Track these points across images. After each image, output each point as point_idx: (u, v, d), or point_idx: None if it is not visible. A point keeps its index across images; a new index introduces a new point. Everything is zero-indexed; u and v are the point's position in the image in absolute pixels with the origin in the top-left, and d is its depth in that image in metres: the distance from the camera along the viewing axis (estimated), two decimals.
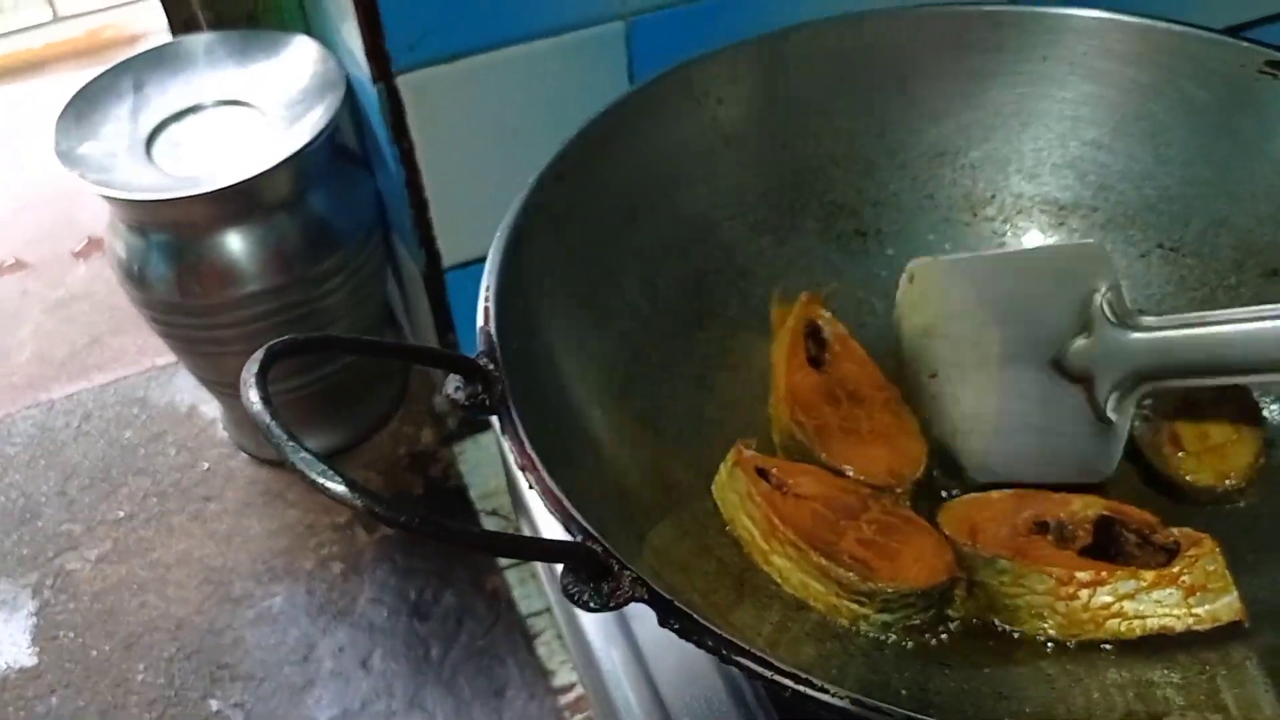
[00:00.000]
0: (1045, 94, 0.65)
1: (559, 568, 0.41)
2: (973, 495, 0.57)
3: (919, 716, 0.37)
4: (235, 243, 0.84)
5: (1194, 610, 0.50)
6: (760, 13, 0.79)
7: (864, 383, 0.62)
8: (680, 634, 0.40)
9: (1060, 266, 0.58)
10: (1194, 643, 0.50)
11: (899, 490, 0.57)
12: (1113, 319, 0.55)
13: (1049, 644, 0.52)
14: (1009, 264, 0.62)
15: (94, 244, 1.31)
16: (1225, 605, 0.50)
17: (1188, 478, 0.57)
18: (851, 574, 0.50)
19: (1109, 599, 0.51)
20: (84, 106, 0.87)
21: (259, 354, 0.40)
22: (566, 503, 0.43)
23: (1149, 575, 0.50)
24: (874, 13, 0.66)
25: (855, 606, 0.51)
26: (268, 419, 0.38)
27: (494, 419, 0.47)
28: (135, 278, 0.86)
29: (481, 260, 0.53)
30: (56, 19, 1.69)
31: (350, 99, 0.85)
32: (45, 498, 1.04)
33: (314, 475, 0.37)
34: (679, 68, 0.64)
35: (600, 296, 0.61)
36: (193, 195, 0.79)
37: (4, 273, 1.30)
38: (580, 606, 0.41)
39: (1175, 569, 0.51)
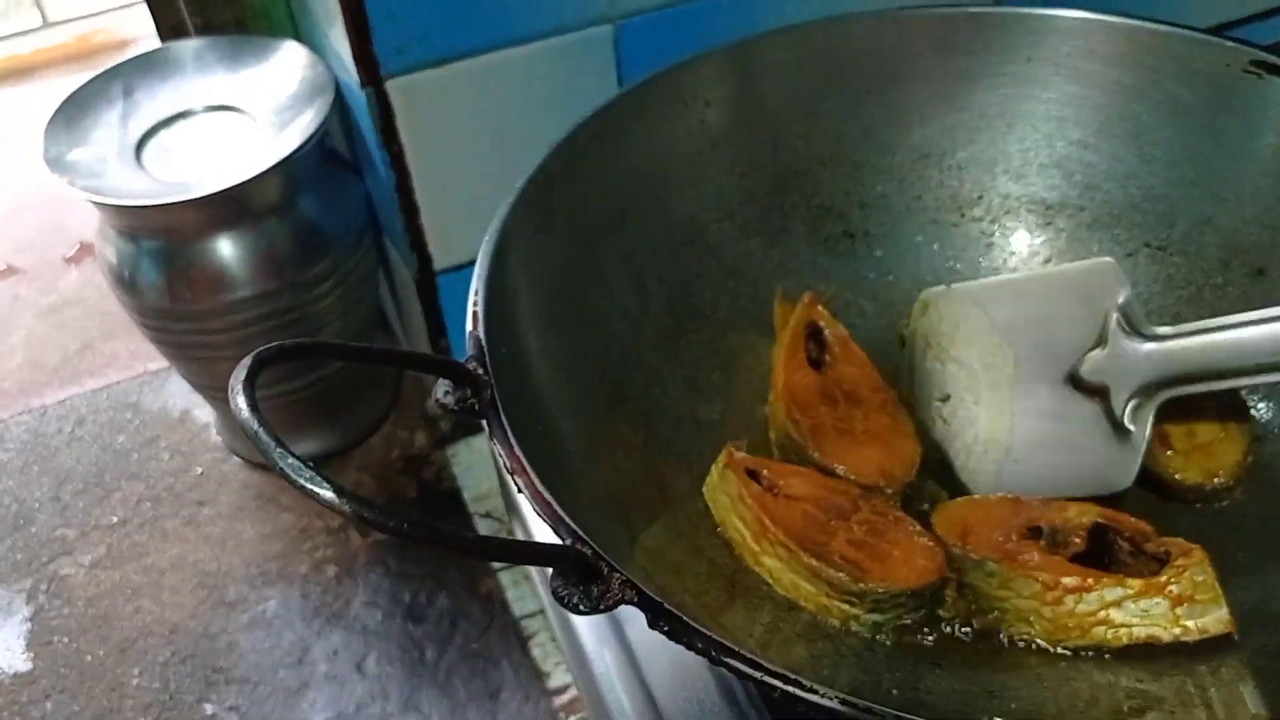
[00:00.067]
0: (1030, 95, 0.66)
1: (550, 570, 0.41)
2: (969, 497, 0.58)
3: (909, 716, 0.37)
4: (226, 248, 0.83)
5: (1182, 621, 0.50)
6: (747, 16, 0.80)
7: (862, 384, 0.63)
8: (670, 636, 0.40)
9: (1073, 284, 0.58)
10: (1182, 650, 0.50)
11: (889, 491, 0.57)
12: (1127, 331, 0.55)
13: (1038, 645, 0.52)
14: (1021, 287, 0.62)
15: (85, 249, 1.31)
16: (1214, 619, 0.49)
17: (1176, 476, 0.57)
18: (842, 575, 0.50)
19: (1094, 606, 0.51)
20: (73, 112, 0.86)
21: (247, 361, 0.40)
22: (555, 506, 0.43)
23: (1136, 584, 0.50)
24: (860, 15, 0.66)
25: (846, 607, 0.51)
26: (256, 425, 0.38)
27: (484, 422, 0.47)
28: (126, 283, 0.86)
29: (473, 263, 0.53)
30: (46, 25, 1.69)
31: (339, 103, 0.85)
32: (39, 503, 1.04)
33: (302, 481, 0.37)
34: (667, 71, 0.64)
35: (589, 299, 0.61)
36: (183, 201, 0.79)
37: None
38: (570, 609, 0.41)
39: (1162, 579, 0.50)
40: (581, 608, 0.40)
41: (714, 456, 0.57)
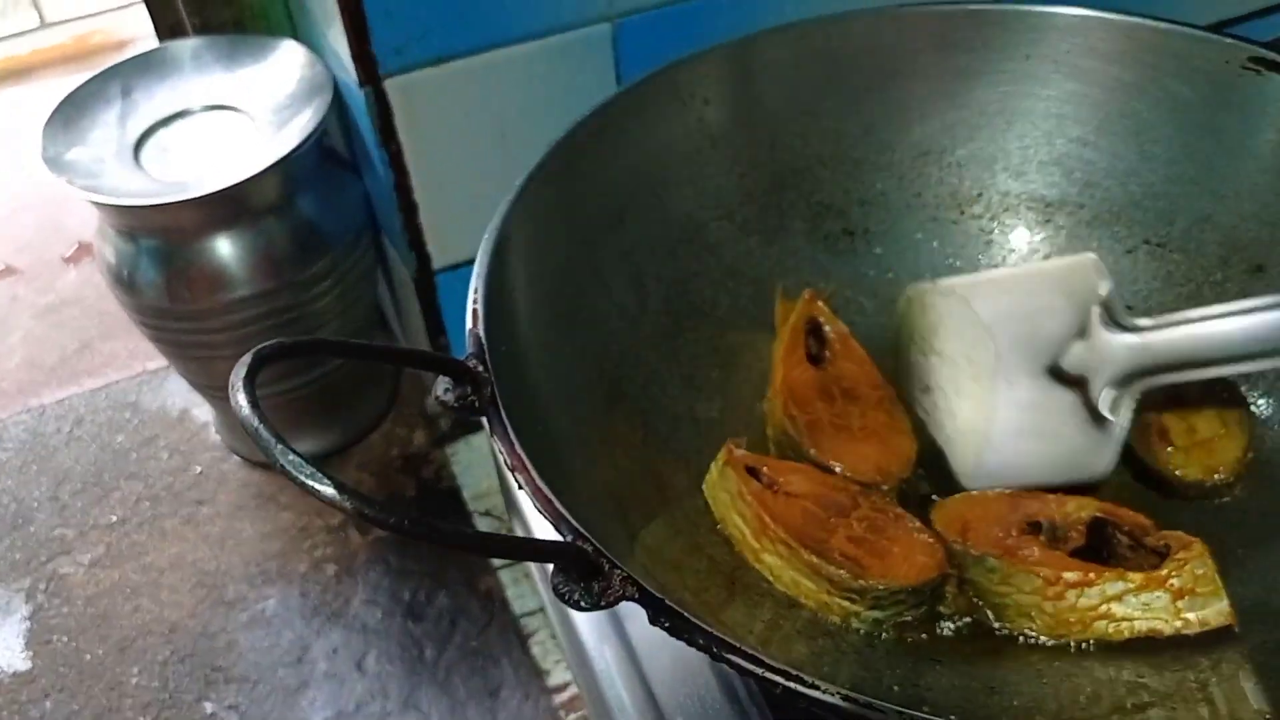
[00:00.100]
0: (1030, 92, 0.66)
1: (551, 568, 0.42)
2: (968, 493, 0.58)
3: (910, 711, 0.37)
4: (224, 247, 0.83)
5: (1183, 614, 0.50)
6: (746, 14, 0.79)
7: (861, 381, 0.63)
8: (671, 632, 0.40)
9: (1056, 279, 0.59)
10: (1183, 642, 0.50)
11: (885, 488, 0.57)
12: (1107, 323, 0.56)
13: (1039, 640, 0.52)
14: (1005, 281, 0.62)
15: (84, 249, 1.31)
16: (1215, 611, 0.50)
17: (1176, 472, 0.57)
18: (842, 571, 0.50)
19: (1096, 600, 0.51)
20: (71, 112, 0.86)
21: (247, 358, 0.40)
22: (556, 503, 0.43)
23: (1137, 578, 0.51)
24: (859, 12, 0.66)
25: (846, 604, 0.51)
26: (256, 423, 0.38)
27: (484, 420, 0.47)
28: (125, 283, 0.86)
29: (472, 262, 0.53)
30: (44, 25, 1.69)
31: (338, 103, 0.85)
32: (37, 503, 1.03)
33: (303, 478, 0.37)
34: (665, 69, 0.64)
35: (588, 297, 0.61)
36: (181, 200, 0.79)
37: None
38: (571, 606, 0.41)
39: (1163, 572, 0.51)
40: (583, 604, 0.41)
41: (713, 454, 0.57)
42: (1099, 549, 0.53)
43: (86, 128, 0.85)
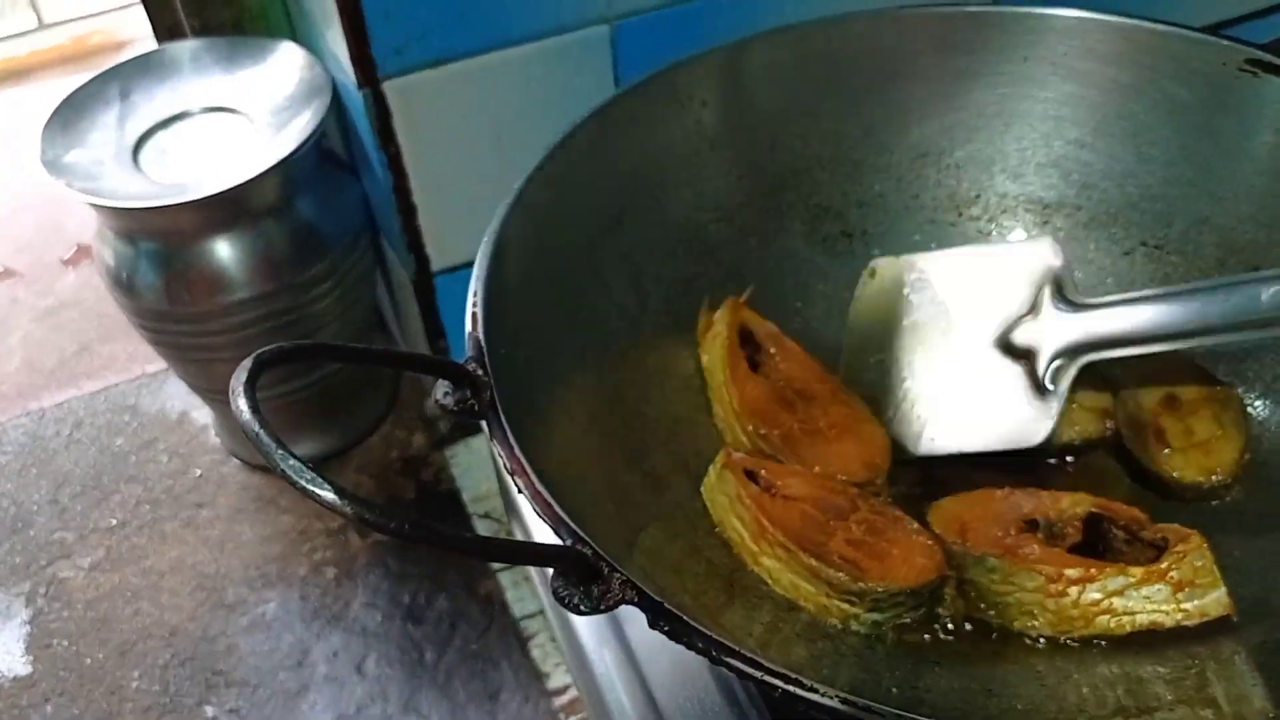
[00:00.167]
0: (1028, 94, 0.66)
1: (551, 571, 0.42)
2: (963, 494, 0.58)
3: (908, 715, 0.37)
4: (224, 250, 0.84)
5: (1183, 605, 0.51)
6: (744, 15, 0.80)
7: (808, 379, 0.63)
8: (670, 636, 0.40)
9: (1013, 259, 0.61)
10: (1183, 638, 0.51)
11: (878, 481, 0.58)
12: (1056, 299, 0.59)
13: (1039, 641, 0.52)
14: (965, 259, 0.63)
15: (83, 251, 1.31)
16: (1214, 600, 0.51)
17: (1174, 474, 0.58)
18: (841, 574, 0.50)
19: (1098, 595, 0.51)
20: (70, 114, 0.86)
21: (247, 363, 0.40)
22: (556, 506, 0.43)
23: (1138, 572, 0.51)
24: (857, 14, 0.66)
25: (846, 606, 0.51)
26: (257, 427, 0.38)
27: (484, 423, 0.48)
28: (124, 286, 0.86)
29: (471, 264, 0.53)
30: (42, 26, 1.69)
31: (336, 105, 0.85)
32: (37, 506, 1.04)
33: (303, 483, 0.37)
34: (664, 71, 0.64)
35: (588, 300, 0.61)
36: (181, 203, 0.79)
37: None
38: (571, 610, 0.41)
39: (1164, 565, 0.51)
40: (582, 608, 0.41)
41: (712, 457, 0.57)
42: (1095, 544, 0.54)
43: (85, 130, 0.86)
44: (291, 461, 0.37)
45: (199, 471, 1.05)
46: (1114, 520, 0.54)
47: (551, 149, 0.59)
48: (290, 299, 0.87)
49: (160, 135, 0.86)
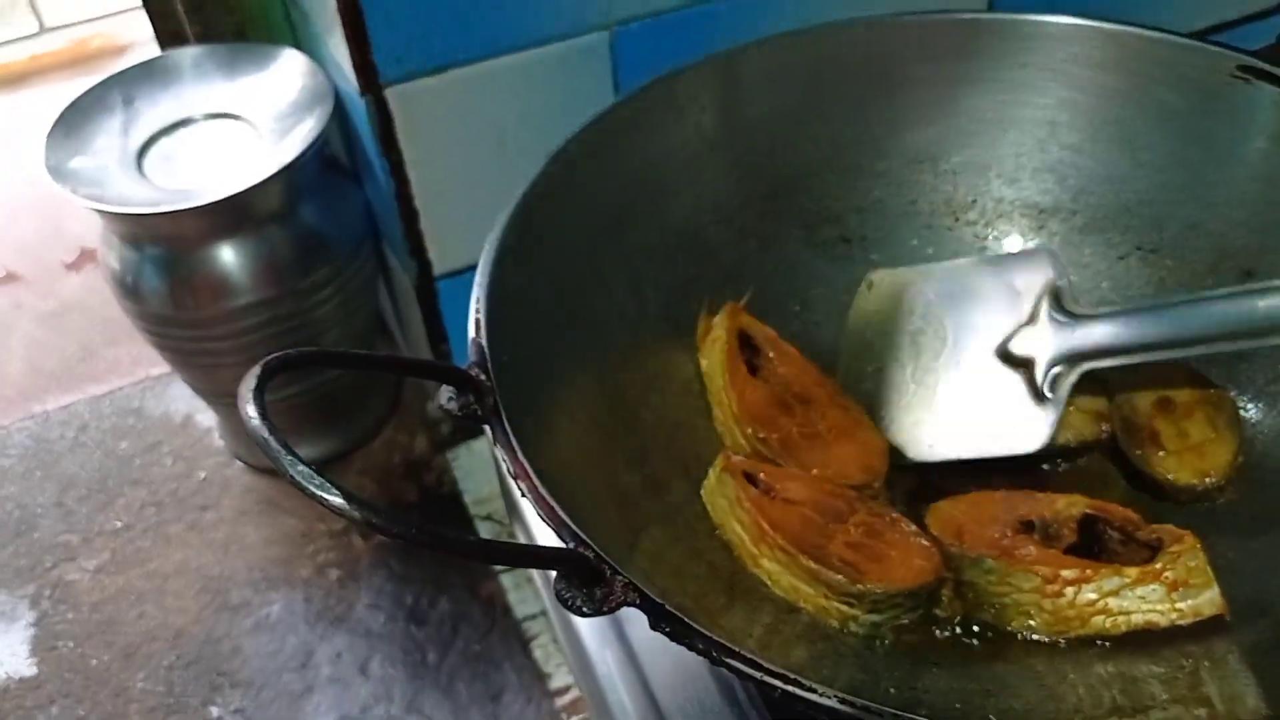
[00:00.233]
0: (1023, 100, 0.66)
1: (554, 574, 0.42)
2: (960, 496, 0.58)
3: (907, 715, 0.38)
4: (227, 255, 0.84)
5: (1177, 606, 0.51)
6: (743, 22, 0.80)
7: (806, 382, 0.63)
8: (671, 637, 0.40)
9: (1011, 270, 0.62)
10: (1178, 637, 0.51)
11: (876, 485, 0.58)
12: (1055, 310, 0.59)
13: (1036, 641, 0.53)
14: (963, 270, 0.64)
15: (86, 255, 1.32)
16: (1207, 600, 0.51)
17: (1169, 476, 0.58)
18: (840, 576, 0.51)
19: (1094, 596, 0.52)
20: (74, 120, 0.87)
21: (255, 370, 0.41)
22: (559, 510, 0.43)
23: (1133, 572, 0.52)
24: (855, 21, 0.67)
25: (845, 608, 0.51)
26: (266, 433, 0.39)
27: (486, 427, 0.48)
28: (129, 290, 0.86)
29: (472, 268, 0.54)
30: (43, 30, 1.69)
31: (339, 111, 0.86)
32: (42, 509, 1.04)
33: (312, 488, 0.37)
34: (663, 78, 0.65)
35: (588, 304, 0.61)
36: (185, 209, 0.79)
37: None
38: (574, 611, 0.41)
39: (1158, 565, 0.52)
40: (585, 610, 0.41)
41: (712, 460, 0.58)
42: (1091, 546, 0.54)
43: (89, 136, 0.86)
44: (300, 467, 0.37)
45: (203, 474, 1.05)
46: (1109, 522, 0.55)
47: (552, 156, 0.59)
48: (294, 304, 0.87)
49: (164, 141, 0.86)
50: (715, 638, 0.40)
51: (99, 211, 0.81)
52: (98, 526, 1.02)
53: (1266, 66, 0.59)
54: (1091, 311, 0.59)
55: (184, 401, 1.11)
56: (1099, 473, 0.61)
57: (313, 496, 0.37)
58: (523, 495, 0.45)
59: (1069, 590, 0.52)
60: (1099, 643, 0.52)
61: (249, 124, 0.87)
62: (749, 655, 0.39)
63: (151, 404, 1.12)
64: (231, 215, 0.82)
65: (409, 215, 0.83)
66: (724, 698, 0.58)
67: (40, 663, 0.92)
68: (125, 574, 0.98)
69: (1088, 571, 0.52)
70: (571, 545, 0.42)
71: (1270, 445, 0.60)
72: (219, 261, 0.84)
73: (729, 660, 0.39)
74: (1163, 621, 0.51)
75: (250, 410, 0.39)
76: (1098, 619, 0.52)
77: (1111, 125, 0.65)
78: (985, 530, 0.55)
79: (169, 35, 1.00)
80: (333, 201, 0.89)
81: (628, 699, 0.64)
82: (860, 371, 0.65)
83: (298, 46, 0.94)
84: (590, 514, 0.46)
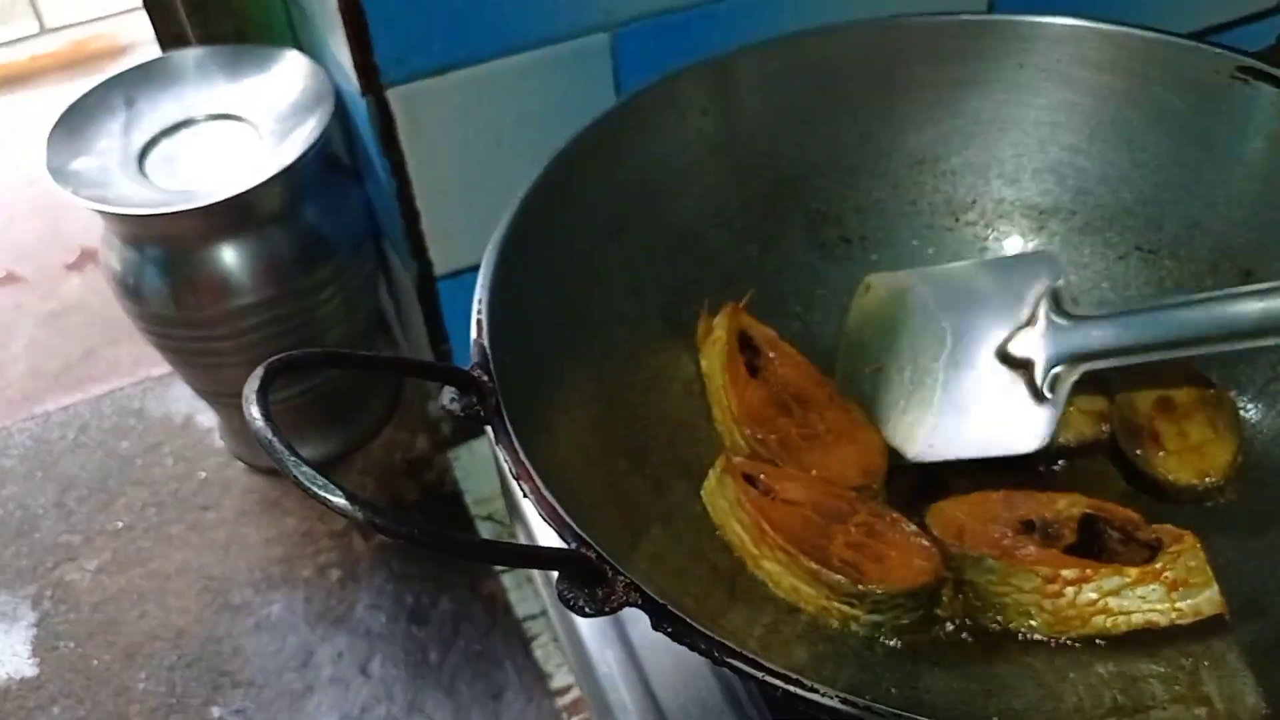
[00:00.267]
0: (1023, 101, 0.66)
1: (555, 574, 0.42)
2: (960, 496, 0.59)
3: (907, 715, 0.38)
4: (229, 255, 0.84)
5: (1177, 605, 0.52)
6: (743, 24, 0.80)
7: (806, 384, 0.63)
8: (673, 637, 0.41)
9: (1010, 272, 0.62)
10: (1177, 637, 0.51)
11: (875, 486, 0.58)
12: (1055, 312, 0.60)
13: (1036, 641, 0.53)
14: (963, 272, 0.65)
15: (87, 256, 1.32)
16: (1207, 599, 0.51)
17: (1169, 476, 0.58)
18: (841, 577, 0.51)
19: (1094, 596, 0.52)
20: (75, 122, 0.87)
21: (259, 371, 0.41)
22: (561, 511, 0.44)
23: (1133, 572, 0.52)
24: (855, 23, 0.67)
25: (845, 608, 0.52)
26: (270, 435, 0.39)
27: (488, 428, 0.48)
28: (131, 291, 0.87)
29: (473, 269, 0.54)
30: (43, 31, 1.69)
31: (340, 112, 0.86)
32: (43, 509, 1.04)
33: (316, 489, 0.38)
34: (664, 80, 0.65)
35: (589, 306, 0.62)
36: (187, 210, 0.80)
37: None
38: (575, 612, 0.41)
39: (1158, 565, 0.52)
40: (587, 610, 0.41)
41: (712, 460, 0.58)
42: (1091, 545, 0.54)
43: (91, 137, 0.86)
44: (304, 469, 0.38)
45: (204, 474, 1.06)
46: (1109, 521, 0.55)
47: (553, 158, 0.60)
48: (295, 304, 0.88)
49: (165, 143, 0.87)
50: (717, 638, 0.40)
51: (100, 213, 0.81)
52: (99, 527, 1.02)
53: (1265, 67, 0.59)
54: (1091, 313, 0.59)
55: (185, 402, 1.12)
56: (1099, 473, 0.61)
57: (316, 498, 0.37)
58: (525, 496, 0.45)
59: (1069, 590, 0.52)
60: (1099, 642, 0.52)
61: (250, 125, 0.87)
62: (751, 656, 0.39)
63: (152, 404, 1.13)
64: (233, 216, 0.83)
65: (410, 215, 0.83)
66: (725, 697, 0.59)
67: (41, 663, 0.93)
68: (126, 574, 0.98)
69: (1088, 571, 0.52)
70: (573, 546, 0.42)
71: (1269, 445, 0.60)
72: (220, 262, 0.84)
73: (731, 660, 0.39)
74: (1163, 621, 0.52)
75: (254, 411, 0.39)
76: (1098, 619, 0.52)
77: (1111, 126, 0.65)
78: (986, 530, 0.55)
79: (170, 36, 1.00)
80: (334, 202, 0.89)
81: (629, 699, 0.64)
82: (858, 373, 0.65)
83: (299, 47, 0.94)
84: (591, 514, 0.47)
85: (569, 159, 0.60)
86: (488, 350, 0.50)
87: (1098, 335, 0.58)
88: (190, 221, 0.82)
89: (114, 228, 0.86)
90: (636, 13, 0.79)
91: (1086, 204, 0.67)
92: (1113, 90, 0.64)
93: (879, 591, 0.51)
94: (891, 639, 0.52)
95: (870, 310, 0.66)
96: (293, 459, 0.38)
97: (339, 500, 0.37)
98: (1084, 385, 0.60)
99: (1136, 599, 0.52)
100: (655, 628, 0.41)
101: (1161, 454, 0.59)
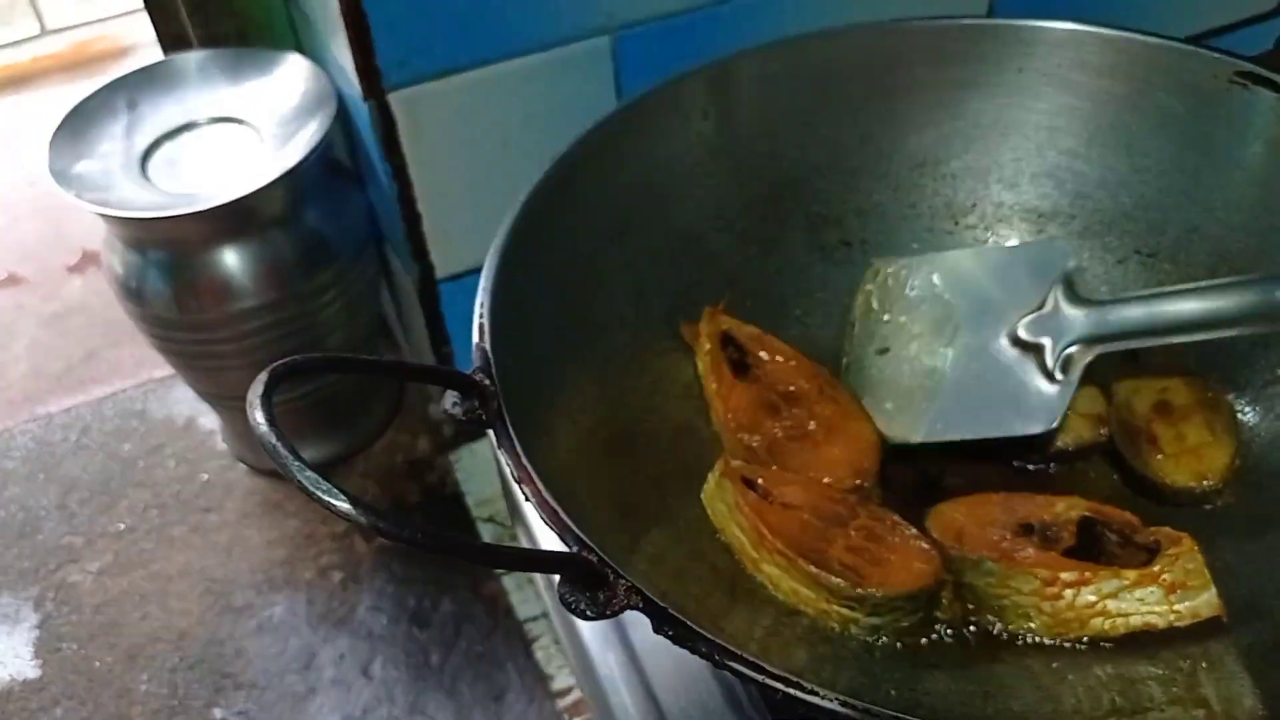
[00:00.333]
0: (1023, 105, 0.67)
1: (557, 577, 0.43)
2: (959, 499, 0.59)
3: (907, 717, 0.38)
4: (231, 259, 0.84)
5: (1175, 607, 0.52)
6: (745, 27, 0.81)
7: (795, 376, 0.63)
8: (674, 641, 0.41)
9: (1020, 257, 0.63)
10: (1176, 639, 0.52)
11: (867, 485, 0.58)
12: (1068, 295, 0.60)
13: (1035, 643, 0.53)
14: (973, 258, 0.65)
15: (88, 258, 1.32)
16: (1205, 601, 0.52)
17: (1167, 479, 0.59)
18: (841, 580, 0.51)
19: (1093, 598, 0.52)
20: (78, 125, 0.87)
21: (263, 376, 0.41)
22: (563, 515, 0.44)
23: (1131, 574, 0.52)
24: (856, 27, 0.68)
25: (845, 611, 0.52)
26: (274, 440, 0.39)
27: (491, 432, 0.49)
28: (133, 294, 0.87)
29: (474, 271, 0.54)
30: (44, 32, 1.69)
31: (342, 115, 0.86)
32: (45, 511, 1.04)
33: (320, 494, 0.38)
34: (665, 83, 0.65)
35: (591, 309, 0.62)
36: (189, 213, 0.80)
37: None
38: (577, 615, 0.42)
39: (1156, 568, 0.52)
40: (588, 614, 0.42)
41: (712, 463, 0.58)
42: (1089, 548, 0.55)
43: (93, 140, 0.86)
44: (308, 473, 0.38)
45: (206, 476, 1.06)
46: (1108, 524, 0.55)
47: (556, 161, 0.60)
48: (297, 307, 0.88)
49: (168, 146, 0.87)
50: (719, 641, 0.40)
51: (103, 216, 0.82)
52: (100, 529, 1.02)
53: (1264, 72, 0.60)
54: (1107, 297, 0.59)
55: (187, 404, 1.12)
56: (1097, 476, 0.61)
57: (320, 502, 0.38)
58: (527, 499, 0.45)
59: (1068, 592, 0.52)
60: (1098, 645, 0.52)
61: (252, 128, 0.87)
62: (751, 659, 0.40)
63: (154, 406, 1.13)
64: (235, 219, 0.83)
65: (412, 219, 0.83)
66: (726, 699, 0.59)
67: (44, 665, 0.93)
68: (128, 576, 0.98)
69: (1086, 574, 0.52)
70: (575, 549, 0.42)
71: (1267, 448, 0.60)
72: (222, 265, 0.85)
73: (732, 663, 0.40)
74: (1161, 623, 0.52)
75: (259, 416, 0.40)
76: (1096, 621, 0.52)
77: (1110, 130, 0.65)
78: (985, 533, 0.55)
79: (171, 37, 1.00)
80: (336, 205, 0.90)
81: (630, 700, 0.64)
82: (866, 355, 0.65)
83: (300, 49, 0.94)
84: (593, 517, 0.47)
85: (570, 162, 0.60)
86: (490, 354, 0.50)
87: (1114, 317, 0.58)
88: (193, 225, 0.82)
89: (116, 231, 0.86)
90: (638, 16, 0.79)
91: (1086, 208, 0.67)
92: (1112, 95, 0.65)
93: (878, 594, 0.51)
94: (891, 641, 0.52)
95: (879, 293, 0.66)
96: (297, 464, 0.38)
97: (343, 505, 0.37)
98: (1083, 388, 0.60)
99: (1135, 601, 0.52)
100: (656, 631, 0.41)
101: (1159, 457, 0.59)
